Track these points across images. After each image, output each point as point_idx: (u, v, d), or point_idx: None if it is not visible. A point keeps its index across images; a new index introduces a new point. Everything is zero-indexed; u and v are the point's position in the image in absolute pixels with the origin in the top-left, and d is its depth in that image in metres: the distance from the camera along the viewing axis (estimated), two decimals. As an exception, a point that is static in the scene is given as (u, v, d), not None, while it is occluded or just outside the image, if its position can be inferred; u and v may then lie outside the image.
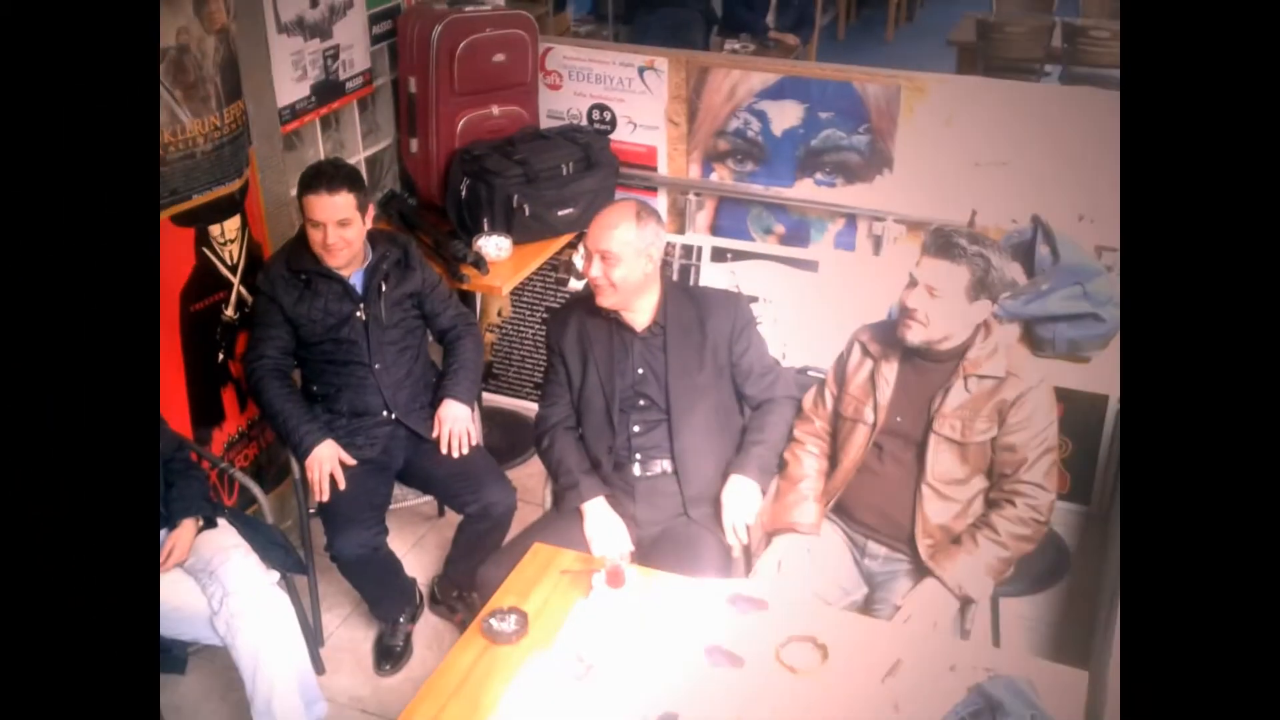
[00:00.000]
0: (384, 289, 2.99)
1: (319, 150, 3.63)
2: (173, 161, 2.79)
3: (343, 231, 2.84)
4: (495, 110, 3.81)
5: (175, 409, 3.00)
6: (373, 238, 3.01)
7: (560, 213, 3.67)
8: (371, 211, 2.97)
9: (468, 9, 3.69)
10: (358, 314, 2.96)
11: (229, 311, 3.12)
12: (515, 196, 3.55)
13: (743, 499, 2.66)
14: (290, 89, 3.40)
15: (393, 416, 3.05)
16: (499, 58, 3.74)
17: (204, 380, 3.11)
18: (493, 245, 3.52)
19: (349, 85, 3.69)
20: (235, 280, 3.10)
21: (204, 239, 2.97)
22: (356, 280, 2.98)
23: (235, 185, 3.04)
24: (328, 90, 3.58)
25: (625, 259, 2.62)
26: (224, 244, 3.03)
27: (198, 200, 2.91)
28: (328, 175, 2.84)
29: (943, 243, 2.45)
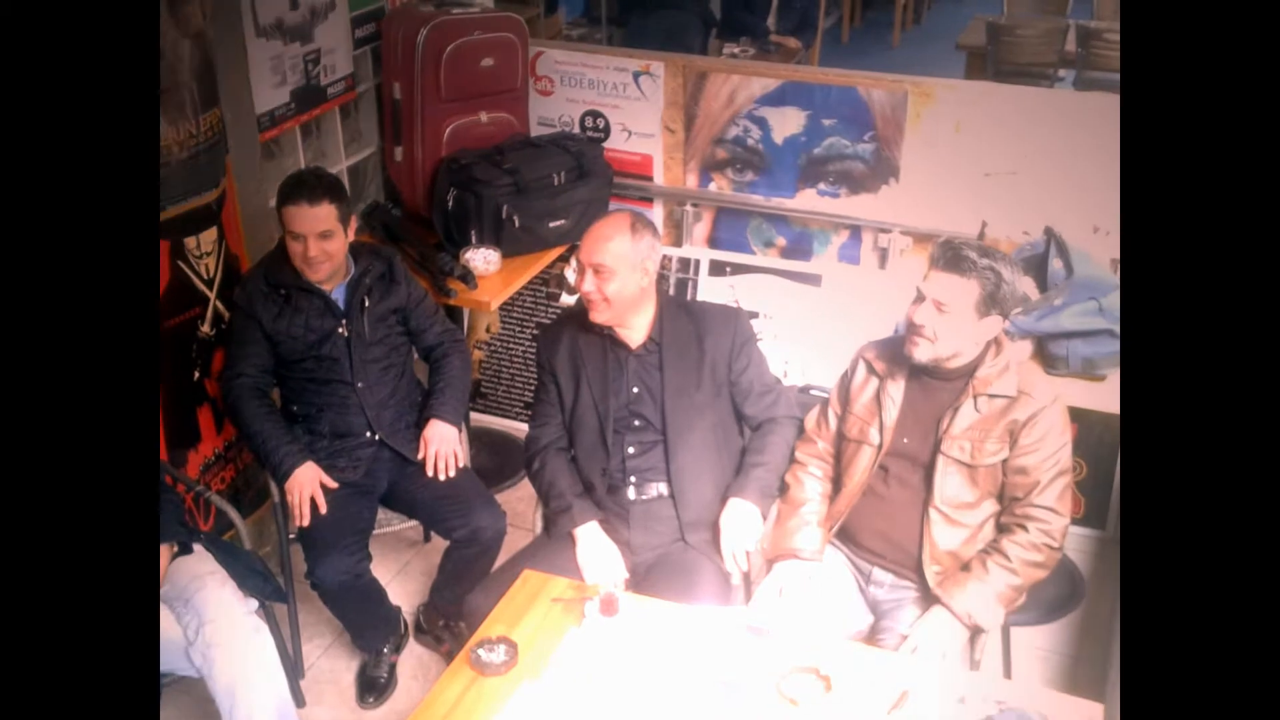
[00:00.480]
0: (367, 304, 3.01)
1: (299, 159, 3.67)
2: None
3: (324, 244, 2.86)
4: (484, 117, 3.85)
5: (148, 429, 3.01)
6: (355, 251, 3.03)
7: (551, 224, 3.70)
8: (354, 223, 3.00)
9: (455, 11, 3.73)
10: (339, 330, 2.98)
11: (205, 328, 3.14)
12: (504, 207, 3.58)
13: (742, 524, 2.67)
14: (269, 95, 3.43)
15: (376, 437, 3.06)
16: (487, 62, 3.78)
17: (179, 400, 3.13)
18: (481, 258, 3.55)
19: (331, 91, 3.73)
20: (212, 295, 3.13)
21: (179, 252, 3.00)
22: (338, 295, 3.00)
23: (212, 196, 3.07)
24: (308, 96, 3.61)
25: (619, 273, 2.64)
26: (200, 257, 3.06)
27: (172, 211, 2.94)
28: (308, 185, 2.86)
29: (951, 256, 2.47)
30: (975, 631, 2.50)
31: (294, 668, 3.10)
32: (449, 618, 3.22)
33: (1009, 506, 2.54)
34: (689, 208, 4.06)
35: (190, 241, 3.01)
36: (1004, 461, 2.51)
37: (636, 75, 3.97)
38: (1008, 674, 2.92)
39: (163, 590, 2.61)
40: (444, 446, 3.02)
